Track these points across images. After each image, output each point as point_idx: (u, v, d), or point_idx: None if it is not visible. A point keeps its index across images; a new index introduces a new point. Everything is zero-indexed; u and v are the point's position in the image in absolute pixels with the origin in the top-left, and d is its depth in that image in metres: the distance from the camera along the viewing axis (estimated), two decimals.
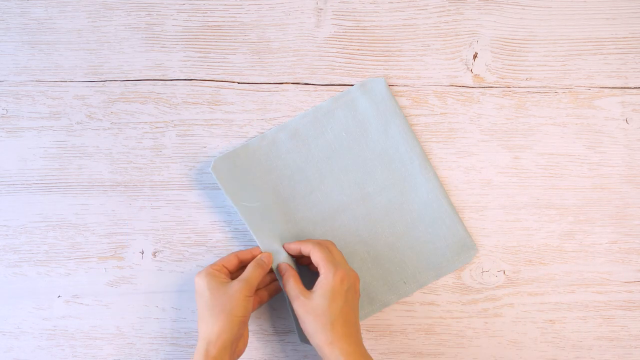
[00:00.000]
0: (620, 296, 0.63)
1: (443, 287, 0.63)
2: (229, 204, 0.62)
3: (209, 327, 0.51)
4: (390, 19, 0.64)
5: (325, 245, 0.56)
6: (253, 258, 0.57)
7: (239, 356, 0.54)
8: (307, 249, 0.55)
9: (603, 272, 0.63)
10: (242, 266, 0.57)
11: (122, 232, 0.62)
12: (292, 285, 0.54)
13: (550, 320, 0.62)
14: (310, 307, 0.51)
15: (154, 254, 0.62)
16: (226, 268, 0.55)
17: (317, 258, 0.54)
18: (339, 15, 0.64)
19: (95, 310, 0.62)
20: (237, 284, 0.52)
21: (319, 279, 0.53)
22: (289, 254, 0.58)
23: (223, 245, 0.62)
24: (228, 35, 0.64)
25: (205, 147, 0.63)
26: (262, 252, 0.57)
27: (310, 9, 0.64)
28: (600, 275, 0.63)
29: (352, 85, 0.63)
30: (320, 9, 0.64)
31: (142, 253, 0.62)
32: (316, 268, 0.54)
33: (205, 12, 0.64)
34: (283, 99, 0.64)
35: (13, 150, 0.63)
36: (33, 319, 0.62)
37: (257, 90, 0.64)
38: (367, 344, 0.62)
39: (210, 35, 0.64)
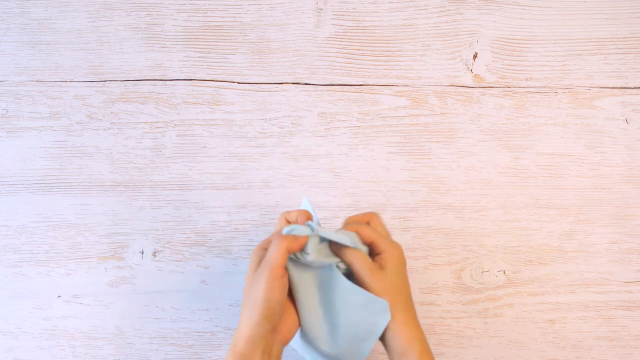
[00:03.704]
0: (620, 296, 0.63)
1: (443, 287, 0.63)
2: (229, 204, 0.62)
3: (240, 320, 0.46)
4: (390, 19, 0.64)
5: (371, 224, 0.50)
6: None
7: (284, 343, 0.48)
8: (365, 220, 0.50)
9: (603, 272, 0.63)
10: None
11: (122, 232, 0.62)
12: (362, 257, 0.47)
13: (550, 320, 0.62)
14: (388, 284, 0.46)
15: (154, 254, 0.62)
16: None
17: (372, 236, 0.48)
18: (339, 15, 0.64)
19: (95, 310, 0.62)
20: (261, 270, 0.45)
21: (383, 256, 0.47)
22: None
23: (223, 245, 0.62)
24: (228, 35, 0.64)
25: (205, 147, 0.63)
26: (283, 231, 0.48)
27: (310, 9, 0.64)
28: (600, 275, 0.63)
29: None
30: (320, 9, 0.64)
31: (142, 253, 0.62)
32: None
33: (205, 12, 0.64)
34: (283, 99, 0.63)
35: (13, 150, 0.63)
36: (33, 319, 0.62)
37: (257, 90, 0.64)
38: None
39: (210, 35, 0.64)
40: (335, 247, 0.48)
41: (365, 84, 0.64)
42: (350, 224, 0.50)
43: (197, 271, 0.62)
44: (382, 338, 0.48)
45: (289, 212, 0.50)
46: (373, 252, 0.49)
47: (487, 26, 0.64)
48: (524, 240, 0.63)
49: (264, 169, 0.63)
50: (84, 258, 0.62)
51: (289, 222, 0.50)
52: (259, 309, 0.44)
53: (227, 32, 0.64)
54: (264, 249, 0.47)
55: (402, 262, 0.48)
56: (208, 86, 0.64)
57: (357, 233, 0.48)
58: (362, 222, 0.50)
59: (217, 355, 0.62)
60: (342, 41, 0.64)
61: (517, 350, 0.62)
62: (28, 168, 0.62)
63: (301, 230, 0.47)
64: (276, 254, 0.45)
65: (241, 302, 0.62)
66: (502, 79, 0.64)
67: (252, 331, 0.45)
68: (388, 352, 0.48)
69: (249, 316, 0.45)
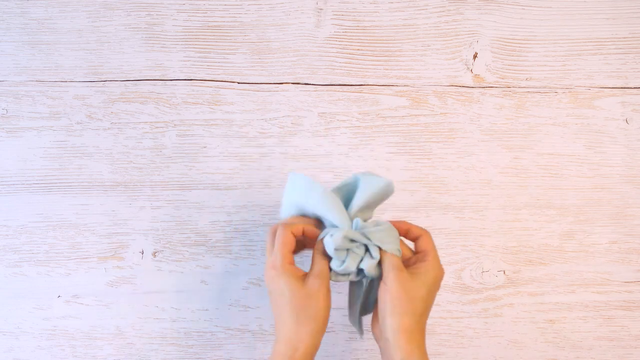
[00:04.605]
0: (620, 296, 0.63)
1: (443, 287, 0.63)
2: (229, 204, 0.62)
3: (292, 333, 0.47)
4: (390, 19, 0.64)
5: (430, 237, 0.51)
6: (302, 232, 0.50)
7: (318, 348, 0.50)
8: (417, 232, 0.51)
9: (603, 272, 0.63)
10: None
11: (122, 232, 0.62)
12: (394, 257, 0.48)
13: (550, 320, 0.62)
14: (409, 287, 0.47)
15: (154, 254, 0.62)
16: (292, 253, 0.49)
17: (430, 247, 0.50)
18: (339, 15, 0.64)
19: (95, 310, 0.62)
20: (314, 282, 0.47)
21: (425, 265, 0.48)
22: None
23: (223, 245, 0.62)
24: (228, 35, 0.64)
25: (205, 147, 0.63)
26: (310, 230, 0.50)
27: (310, 9, 0.64)
28: (600, 275, 0.63)
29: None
30: (320, 9, 0.64)
31: (142, 253, 0.62)
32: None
33: (205, 12, 0.64)
34: (283, 99, 0.63)
35: (13, 150, 0.63)
36: (33, 319, 0.62)
37: (257, 90, 0.64)
38: (367, 344, 0.62)
39: (210, 35, 0.64)
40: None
41: (365, 84, 0.64)
42: (411, 224, 0.51)
43: (197, 271, 0.62)
44: (380, 337, 0.48)
45: (292, 225, 0.49)
46: (417, 260, 0.49)
47: (487, 26, 0.64)
48: (524, 240, 0.63)
49: (264, 169, 0.63)
50: (84, 258, 0.62)
51: (294, 236, 0.49)
52: (322, 320, 0.47)
53: (227, 32, 0.64)
54: (291, 263, 0.48)
55: (437, 282, 0.48)
56: (208, 86, 0.64)
57: (420, 236, 0.50)
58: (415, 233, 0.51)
59: (217, 355, 0.62)
60: (342, 41, 0.64)
61: (517, 350, 0.62)
62: (28, 168, 0.62)
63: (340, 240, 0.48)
64: (324, 266, 0.48)
65: (240, 302, 0.62)
66: (502, 79, 0.64)
67: (314, 343, 0.47)
68: (383, 353, 0.48)
69: (312, 328, 0.46)
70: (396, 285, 0.46)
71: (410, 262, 0.50)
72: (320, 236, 0.50)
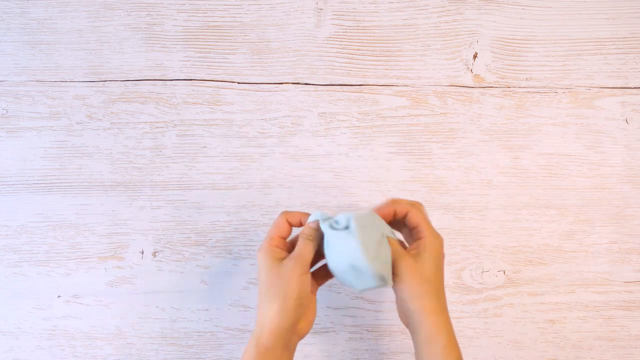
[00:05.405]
0: (620, 296, 0.63)
1: None
2: (229, 204, 0.62)
3: (263, 312, 0.47)
4: (390, 19, 0.64)
5: (421, 209, 0.51)
6: (299, 222, 0.51)
7: (300, 337, 0.50)
8: (403, 209, 0.50)
9: (603, 272, 0.63)
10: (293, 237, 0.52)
11: (122, 232, 0.62)
12: (393, 243, 0.49)
13: (550, 320, 0.62)
14: (418, 270, 0.47)
15: (154, 254, 0.62)
16: (284, 239, 0.50)
17: (419, 219, 0.49)
18: (339, 15, 0.64)
19: (95, 310, 0.62)
20: (289, 262, 0.47)
21: (423, 242, 0.48)
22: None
23: (223, 245, 0.62)
24: (228, 35, 0.64)
25: (205, 147, 0.63)
26: (307, 220, 0.50)
27: (310, 9, 0.64)
28: (600, 275, 0.63)
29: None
30: (320, 9, 0.64)
31: (142, 253, 0.62)
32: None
33: (205, 12, 0.64)
34: (283, 99, 0.63)
35: (13, 150, 0.63)
36: (33, 319, 0.62)
37: (257, 90, 0.64)
38: (367, 344, 0.62)
39: (210, 35, 0.64)
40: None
41: (365, 84, 0.64)
42: (397, 202, 0.51)
43: (197, 271, 0.62)
44: (408, 322, 0.48)
45: (289, 212, 0.51)
46: (414, 236, 0.50)
47: (487, 26, 0.64)
48: (524, 240, 0.63)
49: (264, 169, 0.63)
50: (84, 258, 0.62)
51: (290, 224, 0.51)
52: (290, 299, 0.46)
53: (227, 32, 0.64)
54: (277, 246, 0.49)
55: (440, 252, 0.49)
56: (208, 86, 0.64)
57: (408, 212, 0.49)
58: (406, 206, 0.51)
59: (217, 355, 0.62)
60: (342, 41, 0.64)
61: (517, 350, 0.62)
62: (28, 168, 0.62)
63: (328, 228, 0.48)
64: (309, 249, 0.48)
65: (240, 302, 0.62)
66: (502, 79, 0.64)
67: (280, 322, 0.46)
68: (413, 336, 0.48)
69: (278, 306, 0.46)
70: (406, 271, 0.47)
71: (409, 239, 0.51)
72: (309, 219, 0.50)
